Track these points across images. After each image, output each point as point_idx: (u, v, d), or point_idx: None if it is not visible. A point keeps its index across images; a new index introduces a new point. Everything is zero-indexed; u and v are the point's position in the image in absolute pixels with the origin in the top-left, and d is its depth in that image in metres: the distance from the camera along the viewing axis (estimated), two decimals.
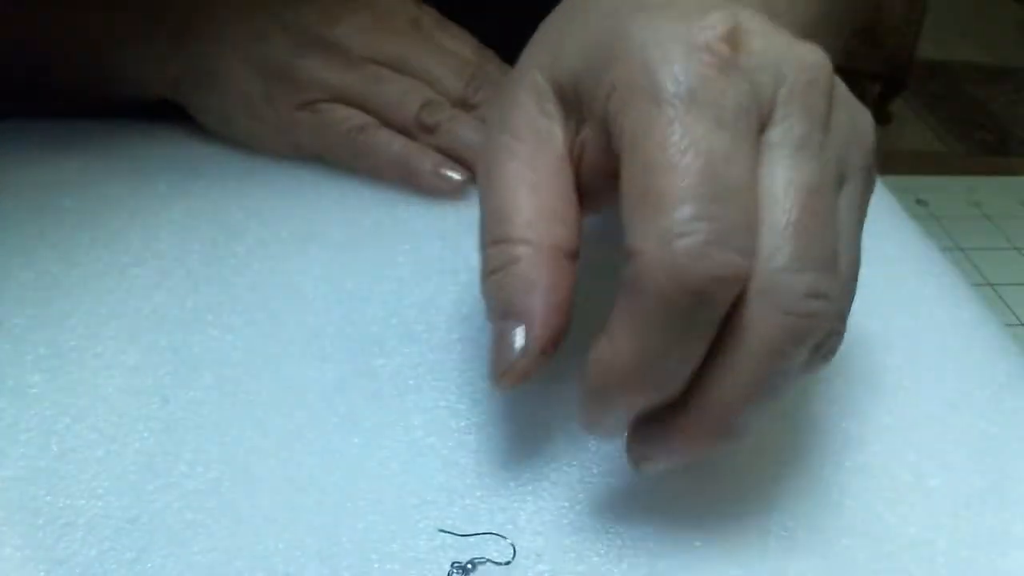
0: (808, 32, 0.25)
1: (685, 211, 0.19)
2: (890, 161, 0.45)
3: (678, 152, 0.20)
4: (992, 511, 0.26)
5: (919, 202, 0.49)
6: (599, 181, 0.24)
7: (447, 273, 0.34)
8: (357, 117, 0.38)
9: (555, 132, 0.24)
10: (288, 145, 0.39)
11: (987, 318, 0.33)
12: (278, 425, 0.27)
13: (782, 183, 0.21)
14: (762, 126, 0.21)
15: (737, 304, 0.20)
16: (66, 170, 0.38)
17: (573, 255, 0.24)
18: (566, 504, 0.25)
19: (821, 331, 0.21)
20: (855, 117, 0.23)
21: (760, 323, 0.20)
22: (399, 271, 0.34)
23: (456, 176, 0.37)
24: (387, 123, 0.38)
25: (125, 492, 0.25)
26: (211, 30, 0.38)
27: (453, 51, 0.40)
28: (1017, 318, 0.42)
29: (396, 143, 0.37)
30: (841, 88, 0.23)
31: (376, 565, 0.23)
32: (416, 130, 0.37)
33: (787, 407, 0.29)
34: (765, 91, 0.21)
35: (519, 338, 0.23)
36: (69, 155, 0.39)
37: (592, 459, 0.27)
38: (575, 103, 0.24)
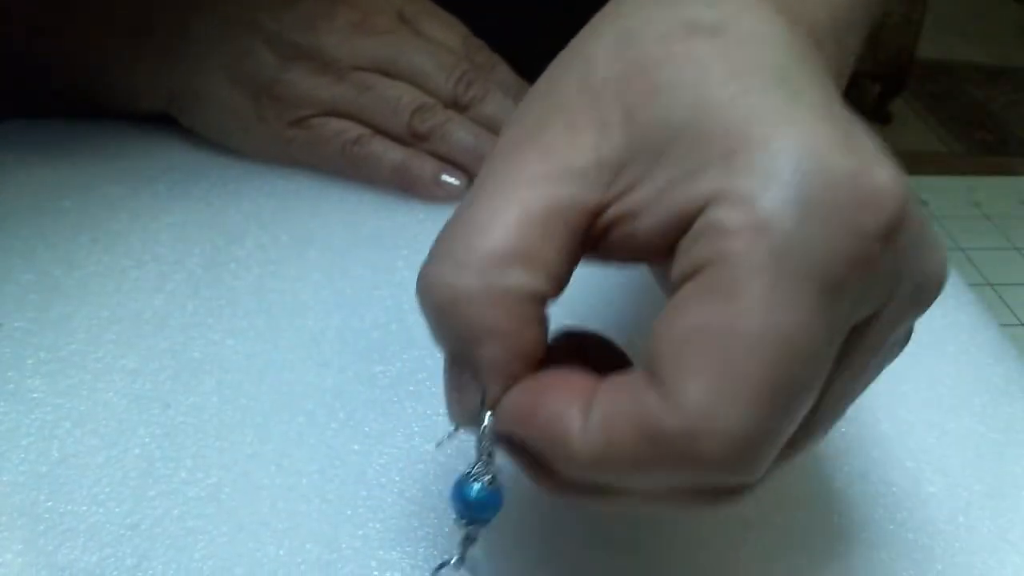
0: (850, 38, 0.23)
1: (752, 415, 0.17)
2: None
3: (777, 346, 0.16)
4: (990, 517, 0.26)
5: (919, 202, 0.50)
6: (617, 254, 0.20)
7: None
8: (352, 129, 0.37)
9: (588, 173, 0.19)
10: (285, 158, 0.39)
11: (985, 322, 0.33)
12: (278, 431, 0.27)
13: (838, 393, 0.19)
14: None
15: None
16: (66, 172, 0.38)
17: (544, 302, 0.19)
18: (566, 509, 0.25)
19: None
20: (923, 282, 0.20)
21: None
22: (399, 276, 0.34)
23: (455, 182, 0.37)
24: (381, 132, 0.37)
25: (126, 498, 0.25)
26: (197, 50, 0.38)
27: (441, 42, 0.39)
28: (1017, 318, 0.42)
29: (393, 152, 0.37)
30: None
31: (376, 573, 0.23)
32: (409, 137, 0.37)
33: None
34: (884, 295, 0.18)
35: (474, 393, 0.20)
36: (69, 157, 0.39)
37: None
38: (635, 164, 0.19)
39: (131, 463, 0.26)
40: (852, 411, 0.29)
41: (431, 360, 0.30)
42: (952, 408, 0.29)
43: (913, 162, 0.58)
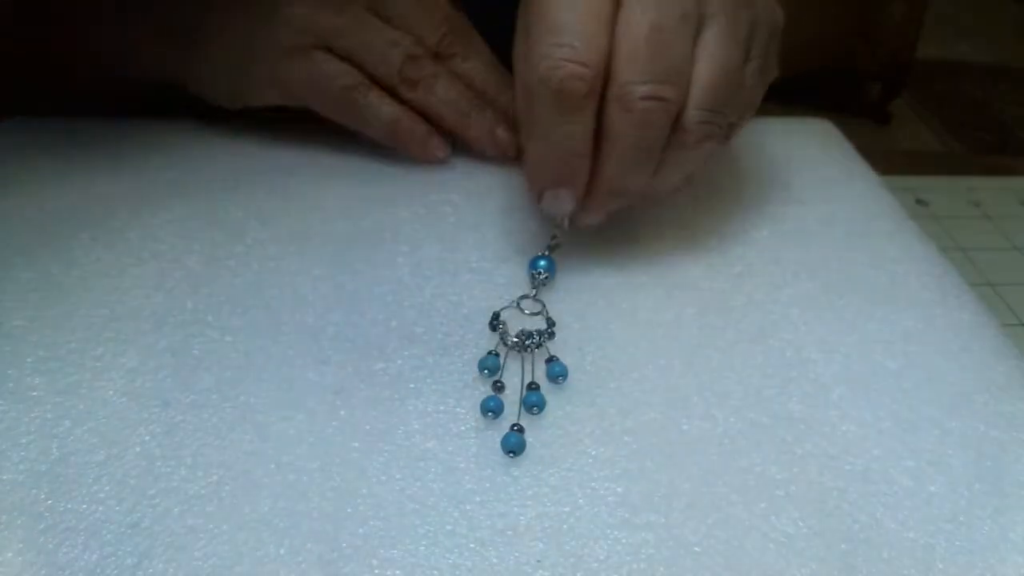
0: None
1: (553, 39, 0.28)
2: (890, 161, 0.45)
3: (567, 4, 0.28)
4: (991, 516, 0.26)
5: (919, 202, 0.49)
6: None
7: (447, 275, 0.34)
8: (349, 75, 0.38)
9: None
10: (276, 96, 0.39)
11: (987, 320, 0.33)
12: (278, 429, 0.27)
13: (632, 23, 0.28)
14: None
15: (604, 111, 0.29)
16: (65, 171, 0.38)
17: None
18: (566, 509, 0.25)
19: (659, 122, 0.29)
20: None
21: (614, 119, 0.29)
22: (398, 272, 0.34)
23: (440, 153, 0.40)
24: (372, 77, 0.38)
25: (126, 496, 0.25)
26: None
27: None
28: (1017, 318, 0.42)
29: (388, 107, 0.39)
30: None
31: (377, 571, 0.23)
32: (399, 84, 0.38)
33: (785, 410, 0.29)
34: None
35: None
36: (69, 155, 0.39)
37: (592, 463, 0.27)
38: None
39: (131, 461, 0.26)
40: (853, 410, 0.29)
41: (431, 358, 0.30)
42: (953, 407, 0.29)
43: (913, 162, 0.58)
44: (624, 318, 0.32)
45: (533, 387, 0.29)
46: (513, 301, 0.32)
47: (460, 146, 0.41)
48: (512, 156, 0.40)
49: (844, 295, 0.34)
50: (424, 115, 0.39)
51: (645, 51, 0.28)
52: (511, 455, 0.26)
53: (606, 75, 0.29)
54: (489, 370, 0.29)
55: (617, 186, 0.31)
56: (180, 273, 0.33)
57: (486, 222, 0.37)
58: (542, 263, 0.33)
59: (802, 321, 0.33)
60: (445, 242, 0.36)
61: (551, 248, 0.34)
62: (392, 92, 0.39)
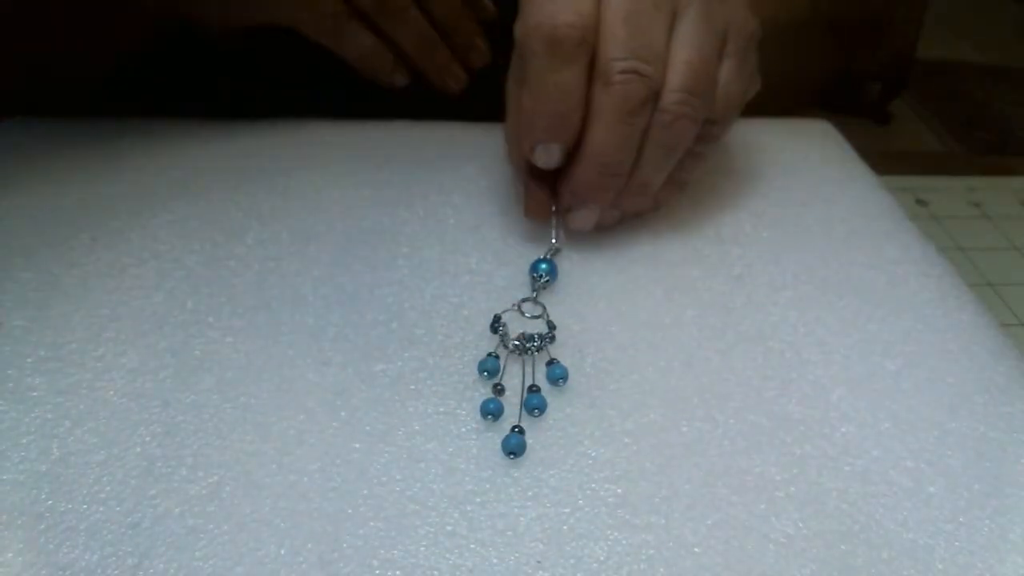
0: None
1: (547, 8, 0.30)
2: (890, 161, 0.45)
3: None
4: (990, 516, 0.26)
5: (919, 202, 0.49)
6: None
7: (447, 276, 0.34)
8: (335, 3, 0.39)
9: None
10: (265, 17, 0.40)
11: (986, 320, 0.33)
12: (279, 429, 0.27)
13: (612, 5, 0.30)
14: None
15: (591, 88, 0.31)
16: (66, 171, 0.38)
17: None
18: (566, 510, 0.25)
19: (637, 96, 0.30)
20: None
21: (598, 93, 0.31)
22: (399, 274, 0.34)
23: (400, 82, 0.43)
24: (353, 3, 0.40)
25: (126, 497, 0.25)
26: None
27: None
28: (1017, 318, 0.42)
29: (363, 35, 0.41)
30: None
31: (377, 571, 0.23)
32: (375, 13, 0.40)
33: (784, 411, 0.29)
34: None
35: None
36: (69, 155, 0.39)
37: (592, 465, 0.27)
38: None
39: (131, 462, 0.26)
40: (853, 411, 0.29)
41: (432, 359, 0.30)
42: (953, 407, 0.29)
43: (913, 162, 0.58)
44: (624, 320, 0.32)
45: (534, 389, 0.29)
46: (514, 304, 0.32)
47: (461, 146, 0.41)
48: (458, 91, 0.44)
49: (843, 296, 0.34)
50: (392, 44, 0.42)
51: (623, 30, 0.30)
52: (512, 456, 0.26)
53: (593, 51, 0.31)
54: (488, 372, 0.29)
55: (604, 160, 0.32)
56: (180, 273, 0.33)
57: (486, 224, 0.37)
58: (543, 266, 0.34)
59: (801, 323, 0.33)
60: (446, 244, 0.36)
61: (551, 252, 0.35)
62: (367, 19, 0.41)
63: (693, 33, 0.31)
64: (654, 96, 0.31)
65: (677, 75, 0.31)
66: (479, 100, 0.41)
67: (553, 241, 0.35)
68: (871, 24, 0.53)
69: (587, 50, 0.30)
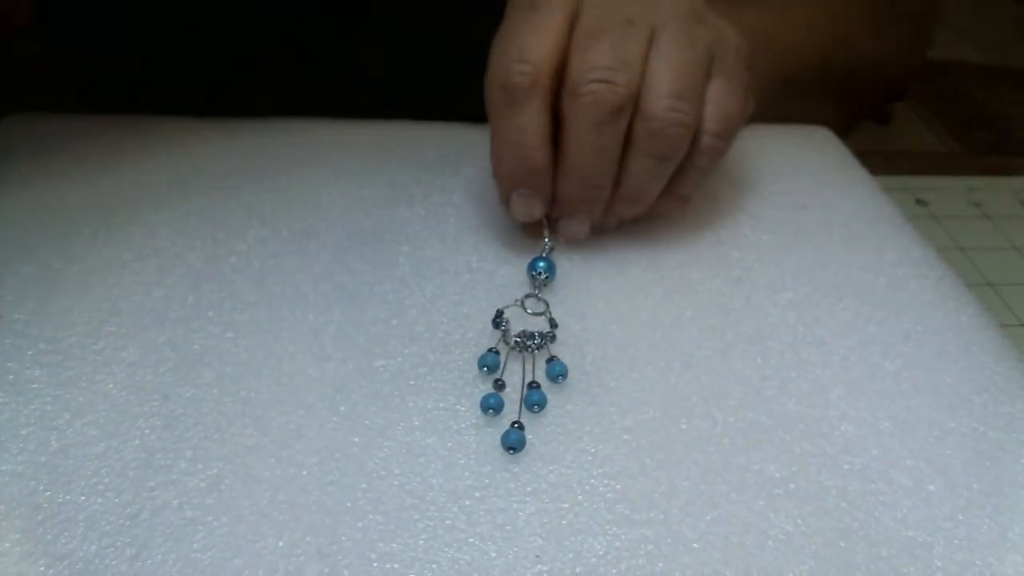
0: None
1: (503, 47, 0.32)
2: (890, 161, 0.46)
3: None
4: (989, 515, 0.26)
5: (919, 202, 0.50)
6: None
7: (448, 274, 0.34)
8: None
9: None
10: None
11: (986, 322, 0.33)
12: (278, 423, 0.27)
13: (580, 27, 0.31)
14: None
15: (561, 104, 0.31)
16: (68, 166, 0.38)
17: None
18: (565, 505, 0.25)
19: (607, 104, 0.30)
20: None
21: (567, 110, 0.31)
22: (400, 271, 0.34)
23: None
24: None
25: (125, 488, 0.25)
26: None
27: None
28: (1017, 318, 0.42)
29: None
30: None
31: (376, 564, 0.23)
32: None
33: (784, 410, 0.29)
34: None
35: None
36: (71, 152, 0.39)
37: (592, 461, 0.27)
38: None
39: (130, 454, 0.26)
40: (853, 410, 0.29)
41: (432, 355, 0.30)
42: (952, 407, 0.29)
43: (913, 162, 0.58)
44: (624, 319, 0.32)
45: (534, 386, 0.29)
46: (517, 300, 0.32)
47: (462, 146, 0.41)
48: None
49: (843, 298, 0.34)
50: None
51: (593, 46, 0.31)
52: (511, 451, 0.26)
53: (559, 79, 0.31)
54: (488, 367, 0.29)
55: (581, 172, 0.32)
56: (181, 269, 0.33)
57: (487, 224, 0.37)
58: (541, 264, 0.34)
59: (801, 323, 0.33)
60: (446, 243, 0.36)
61: (547, 250, 0.35)
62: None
63: (673, 46, 0.32)
64: (629, 105, 0.31)
65: (662, 83, 0.31)
66: (480, 100, 0.41)
67: (546, 241, 0.35)
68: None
69: (540, 93, 0.31)
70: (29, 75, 0.41)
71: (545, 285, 0.33)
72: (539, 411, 0.28)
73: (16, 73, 0.40)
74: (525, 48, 0.31)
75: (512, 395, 0.29)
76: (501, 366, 0.30)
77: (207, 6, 0.42)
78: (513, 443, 0.26)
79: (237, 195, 0.37)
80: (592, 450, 0.27)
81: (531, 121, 0.31)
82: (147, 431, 0.27)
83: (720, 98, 0.33)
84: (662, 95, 0.31)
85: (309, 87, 0.45)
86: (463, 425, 0.28)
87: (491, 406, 0.28)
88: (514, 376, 0.29)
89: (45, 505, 0.24)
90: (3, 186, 0.37)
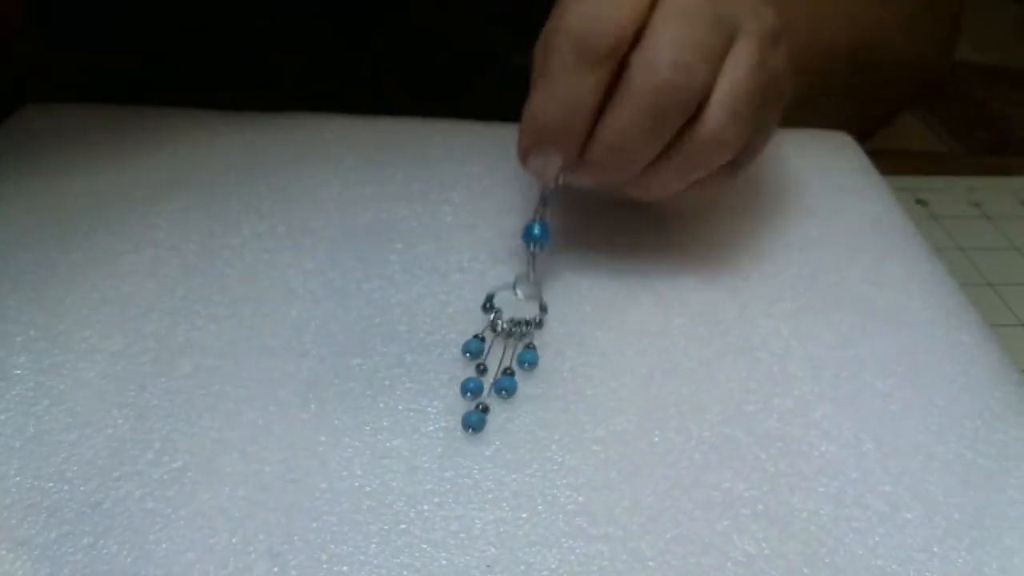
0: None
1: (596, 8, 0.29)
2: (890, 161, 0.45)
3: None
4: (967, 548, 0.25)
5: (919, 202, 0.48)
6: None
7: (437, 274, 0.34)
8: None
9: None
10: None
11: (989, 343, 0.32)
12: (248, 419, 0.27)
13: (669, 3, 0.29)
14: None
15: (624, 71, 0.29)
16: (68, 158, 0.39)
17: None
18: (524, 515, 0.25)
19: (678, 93, 0.29)
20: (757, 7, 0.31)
21: (635, 78, 0.29)
22: (389, 269, 0.34)
23: None
24: None
25: (92, 477, 0.25)
26: None
27: None
28: (1017, 318, 0.41)
29: None
30: None
31: (325, 566, 0.23)
32: None
33: (763, 427, 0.28)
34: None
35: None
36: (72, 144, 0.40)
37: (557, 471, 0.26)
38: None
39: (102, 443, 0.26)
40: (836, 430, 0.28)
41: (410, 356, 0.30)
42: (940, 431, 0.28)
43: (913, 162, 0.57)
44: (611, 326, 0.32)
45: (509, 372, 0.29)
46: (509, 284, 0.32)
47: (463, 144, 0.41)
48: None
49: (840, 311, 0.33)
50: None
51: (679, 26, 0.29)
52: (470, 431, 0.27)
53: (631, 44, 0.29)
54: (471, 354, 0.30)
55: (619, 143, 0.30)
56: (176, 262, 0.34)
57: (483, 223, 0.37)
58: (535, 230, 0.33)
59: (793, 336, 0.32)
60: (440, 241, 0.36)
61: (540, 213, 0.33)
62: None
63: (749, 57, 0.30)
64: (696, 103, 0.29)
65: (726, 94, 0.30)
66: (484, 99, 0.41)
67: (536, 211, 0.33)
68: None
69: (615, 59, 0.29)
70: (30, 75, 0.42)
71: (541, 250, 0.33)
72: (507, 397, 0.28)
73: (16, 73, 0.41)
74: (613, 7, 0.29)
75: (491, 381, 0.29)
76: (485, 352, 0.30)
77: (207, 6, 0.42)
78: (473, 423, 0.27)
79: (236, 190, 0.38)
80: (559, 460, 0.27)
81: (596, 84, 0.29)
82: (120, 421, 0.27)
83: (767, 130, 0.33)
84: (724, 106, 0.30)
85: (309, 87, 0.45)
86: (431, 428, 0.27)
87: (469, 389, 0.28)
88: (496, 361, 0.30)
89: (13, 490, 0.25)
90: (4, 177, 0.38)
